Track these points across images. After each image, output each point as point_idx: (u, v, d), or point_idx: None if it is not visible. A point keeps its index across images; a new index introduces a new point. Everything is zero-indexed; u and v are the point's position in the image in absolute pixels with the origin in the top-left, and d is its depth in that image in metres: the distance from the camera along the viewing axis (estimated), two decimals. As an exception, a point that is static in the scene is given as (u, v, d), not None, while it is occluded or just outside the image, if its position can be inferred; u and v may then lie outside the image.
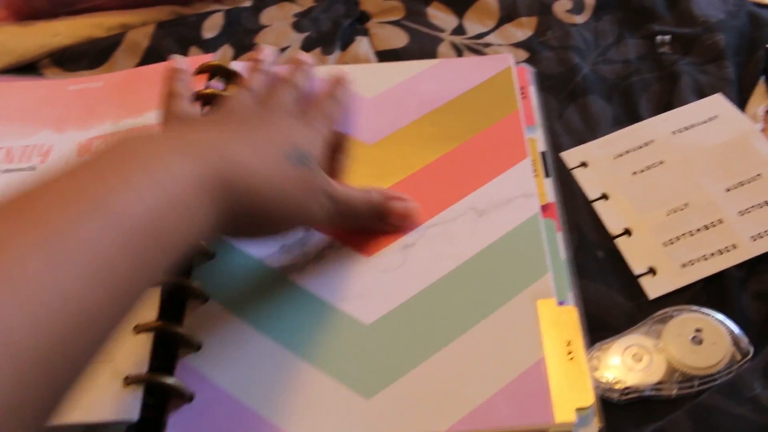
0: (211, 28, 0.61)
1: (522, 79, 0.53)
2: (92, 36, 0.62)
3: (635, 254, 0.45)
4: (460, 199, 0.46)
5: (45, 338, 0.25)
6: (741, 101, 0.52)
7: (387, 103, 0.52)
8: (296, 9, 0.63)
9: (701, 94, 0.52)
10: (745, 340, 0.40)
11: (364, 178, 0.47)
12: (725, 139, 0.49)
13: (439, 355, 0.40)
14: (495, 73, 0.53)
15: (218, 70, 0.52)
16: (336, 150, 0.46)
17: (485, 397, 0.38)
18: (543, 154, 0.49)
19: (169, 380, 0.39)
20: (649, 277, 0.44)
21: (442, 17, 0.61)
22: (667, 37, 0.56)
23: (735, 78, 0.53)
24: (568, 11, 0.60)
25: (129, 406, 0.38)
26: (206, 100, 0.49)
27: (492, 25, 0.61)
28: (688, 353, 0.40)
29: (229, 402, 0.39)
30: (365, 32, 0.61)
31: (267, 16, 0.63)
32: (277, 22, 0.62)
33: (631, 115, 0.53)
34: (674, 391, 0.39)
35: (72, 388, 0.27)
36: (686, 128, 0.50)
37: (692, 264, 0.44)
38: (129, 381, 0.39)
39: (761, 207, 0.45)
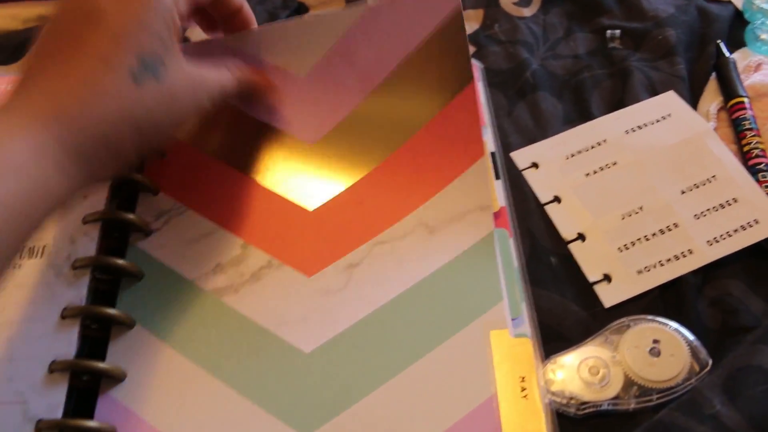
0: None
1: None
2: (7, 28, 0.57)
3: (589, 260, 0.43)
4: (410, 212, 0.42)
5: None
6: (693, 98, 0.51)
7: (322, 83, 0.45)
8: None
9: (653, 91, 0.51)
10: (703, 351, 0.39)
11: (310, 187, 0.44)
12: (679, 140, 0.47)
13: (383, 388, 0.37)
14: (440, 19, 0.45)
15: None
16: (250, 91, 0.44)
17: None
18: (493, 154, 0.47)
19: (88, 424, 0.36)
20: (604, 284, 0.42)
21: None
22: (617, 32, 0.55)
23: (686, 75, 0.52)
24: (516, 4, 0.58)
25: None
26: None
27: (437, 18, 0.58)
28: (645, 366, 0.38)
29: None
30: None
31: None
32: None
33: (582, 113, 0.51)
34: (632, 405, 0.38)
35: None
36: (639, 127, 0.48)
37: (648, 270, 0.42)
38: (41, 426, 0.35)
39: (716, 210, 0.44)
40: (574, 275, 0.43)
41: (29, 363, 0.38)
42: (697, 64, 0.53)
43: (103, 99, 0.34)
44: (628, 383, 0.38)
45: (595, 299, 0.42)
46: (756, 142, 0.47)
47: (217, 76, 0.40)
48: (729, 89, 0.50)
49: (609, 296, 0.42)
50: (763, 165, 0.46)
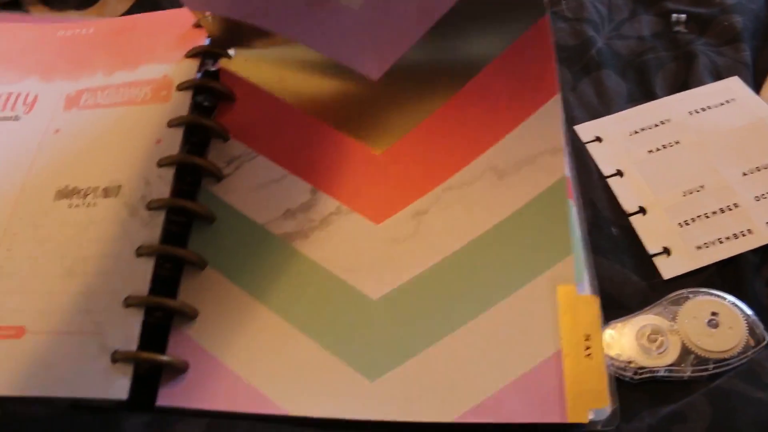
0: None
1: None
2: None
3: (650, 233, 0.44)
4: (478, 155, 0.41)
5: None
6: (756, 85, 0.51)
7: (377, 14, 0.42)
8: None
9: (718, 75, 0.51)
10: (760, 326, 0.39)
11: (376, 128, 0.43)
12: (742, 124, 0.48)
13: (449, 338, 0.37)
14: None
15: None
16: None
17: (495, 388, 0.35)
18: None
19: (161, 357, 0.37)
20: (663, 257, 0.43)
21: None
22: (683, 16, 0.55)
23: (751, 62, 0.52)
24: (582, -17, 0.59)
25: (117, 384, 0.36)
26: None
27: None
28: (704, 336, 0.39)
29: (225, 374, 0.37)
30: None
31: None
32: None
33: (645, 93, 0.51)
34: (688, 374, 0.38)
35: None
36: (703, 109, 0.49)
37: (707, 246, 0.43)
38: (117, 357, 0.36)
39: (778, 193, 0.45)
40: (634, 246, 0.44)
41: (105, 297, 0.38)
42: (762, 52, 0.53)
43: None
44: (685, 352, 0.39)
45: (654, 271, 0.43)
46: (819, 130, 0.47)
47: None
48: (793, 77, 0.50)
49: (668, 268, 0.42)
50: (825, 152, 0.46)
